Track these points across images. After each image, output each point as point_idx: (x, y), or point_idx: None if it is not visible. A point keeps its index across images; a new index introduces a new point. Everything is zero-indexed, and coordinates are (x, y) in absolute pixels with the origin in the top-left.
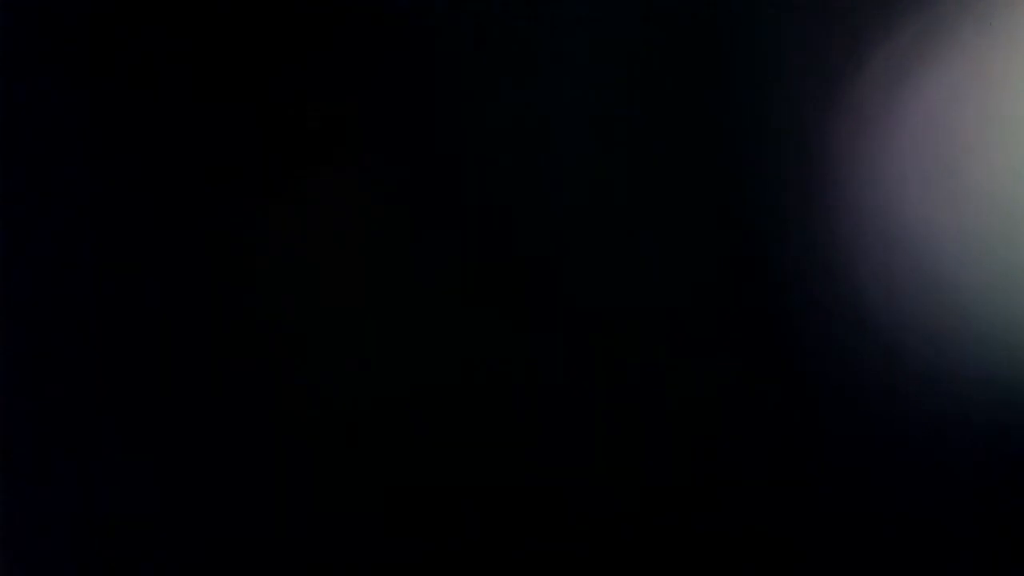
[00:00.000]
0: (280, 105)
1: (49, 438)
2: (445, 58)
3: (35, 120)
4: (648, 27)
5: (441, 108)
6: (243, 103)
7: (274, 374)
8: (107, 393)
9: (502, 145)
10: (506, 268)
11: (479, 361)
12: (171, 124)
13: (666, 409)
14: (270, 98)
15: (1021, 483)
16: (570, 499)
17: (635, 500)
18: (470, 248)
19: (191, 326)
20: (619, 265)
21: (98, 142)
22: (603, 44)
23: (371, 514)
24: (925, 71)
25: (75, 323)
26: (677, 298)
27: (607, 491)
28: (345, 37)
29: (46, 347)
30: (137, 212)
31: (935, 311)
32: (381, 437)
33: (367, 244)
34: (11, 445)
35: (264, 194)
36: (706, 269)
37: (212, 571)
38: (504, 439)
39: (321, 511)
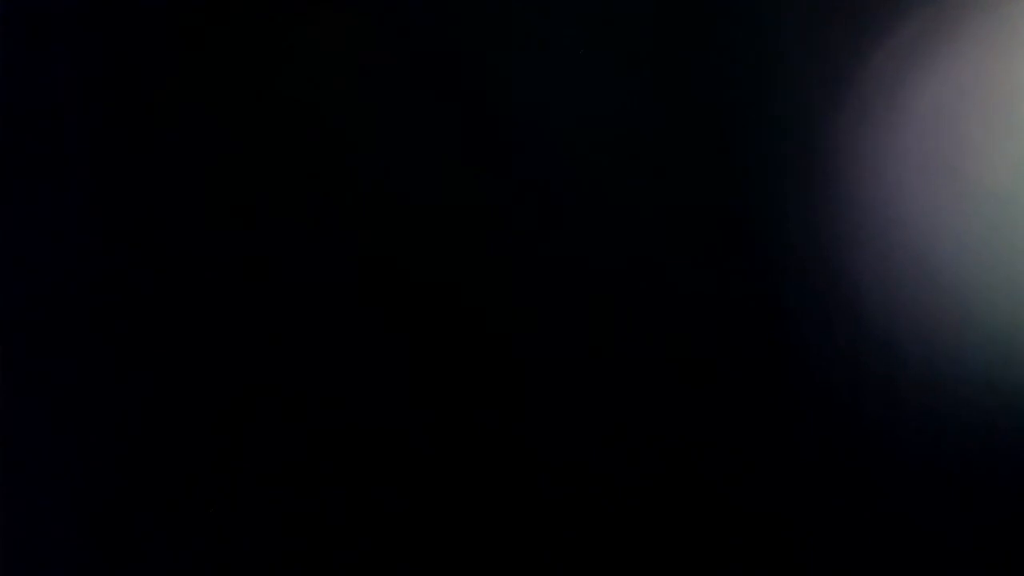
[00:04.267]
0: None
1: (49, 436)
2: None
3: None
4: (651, 22)
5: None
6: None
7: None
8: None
9: (498, 140)
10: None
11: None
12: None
13: (664, 408)
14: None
15: (1019, 486)
16: (558, 492)
17: (631, 498)
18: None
19: (189, 326)
20: (617, 264)
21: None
22: (604, 37)
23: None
24: (928, 68)
25: (74, 322)
26: (676, 293)
27: (602, 490)
28: None
29: (48, 337)
30: (138, 210)
31: (935, 309)
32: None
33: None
34: (11, 445)
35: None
36: (705, 264)
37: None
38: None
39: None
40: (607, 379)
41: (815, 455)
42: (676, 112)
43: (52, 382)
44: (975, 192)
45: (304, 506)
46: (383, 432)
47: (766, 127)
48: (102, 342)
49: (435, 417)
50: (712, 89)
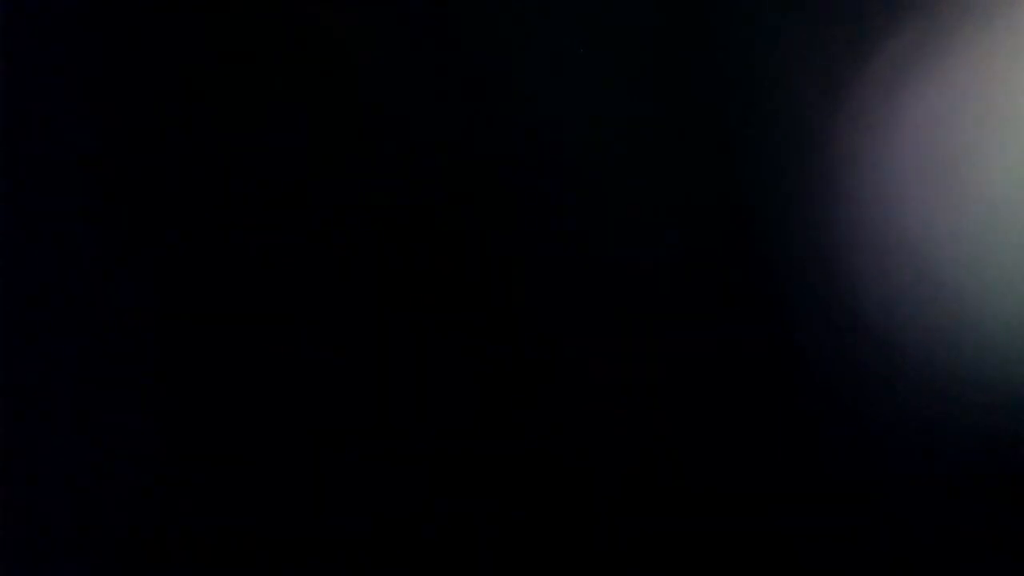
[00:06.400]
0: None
1: (50, 432)
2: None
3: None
4: (651, 22)
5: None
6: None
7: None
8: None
9: (497, 141)
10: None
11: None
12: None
13: (663, 406)
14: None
15: (1019, 487)
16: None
17: (628, 499)
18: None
19: (187, 325)
20: (615, 264)
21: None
22: (604, 38)
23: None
24: (927, 70)
25: (73, 321)
26: (675, 293)
27: (601, 491)
28: None
29: (49, 334)
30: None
31: (934, 311)
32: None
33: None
34: (11, 445)
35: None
36: (704, 264)
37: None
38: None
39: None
40: (604, 378)
41: (815, 455)
42: (676, 113)
43: (53, 382)
44: (975, 194)
45: (305, 506)
46: (387, 425)
47: (766, 129)
48: (104, 341)
49: (436, 410)
50: (712, 90)
